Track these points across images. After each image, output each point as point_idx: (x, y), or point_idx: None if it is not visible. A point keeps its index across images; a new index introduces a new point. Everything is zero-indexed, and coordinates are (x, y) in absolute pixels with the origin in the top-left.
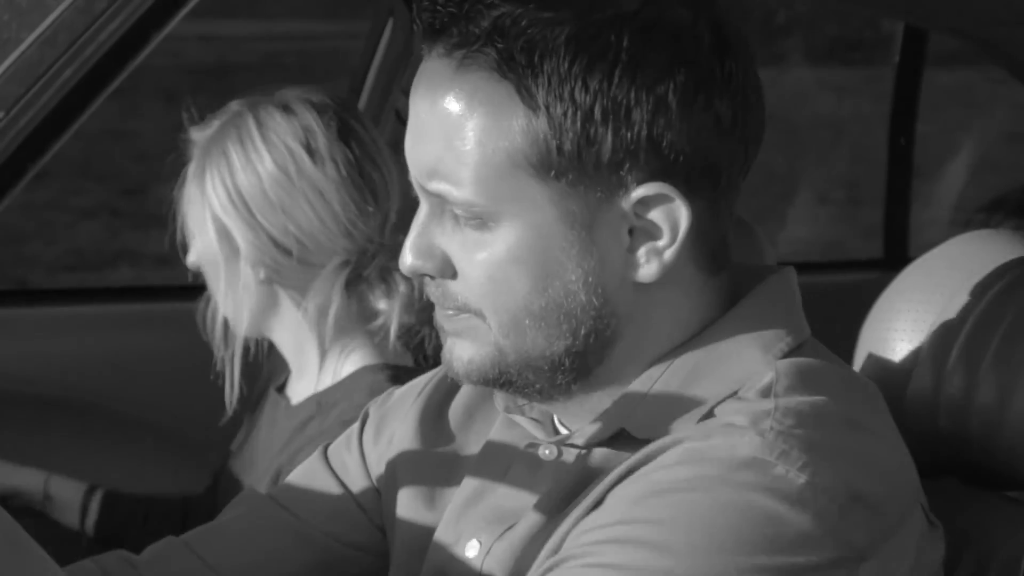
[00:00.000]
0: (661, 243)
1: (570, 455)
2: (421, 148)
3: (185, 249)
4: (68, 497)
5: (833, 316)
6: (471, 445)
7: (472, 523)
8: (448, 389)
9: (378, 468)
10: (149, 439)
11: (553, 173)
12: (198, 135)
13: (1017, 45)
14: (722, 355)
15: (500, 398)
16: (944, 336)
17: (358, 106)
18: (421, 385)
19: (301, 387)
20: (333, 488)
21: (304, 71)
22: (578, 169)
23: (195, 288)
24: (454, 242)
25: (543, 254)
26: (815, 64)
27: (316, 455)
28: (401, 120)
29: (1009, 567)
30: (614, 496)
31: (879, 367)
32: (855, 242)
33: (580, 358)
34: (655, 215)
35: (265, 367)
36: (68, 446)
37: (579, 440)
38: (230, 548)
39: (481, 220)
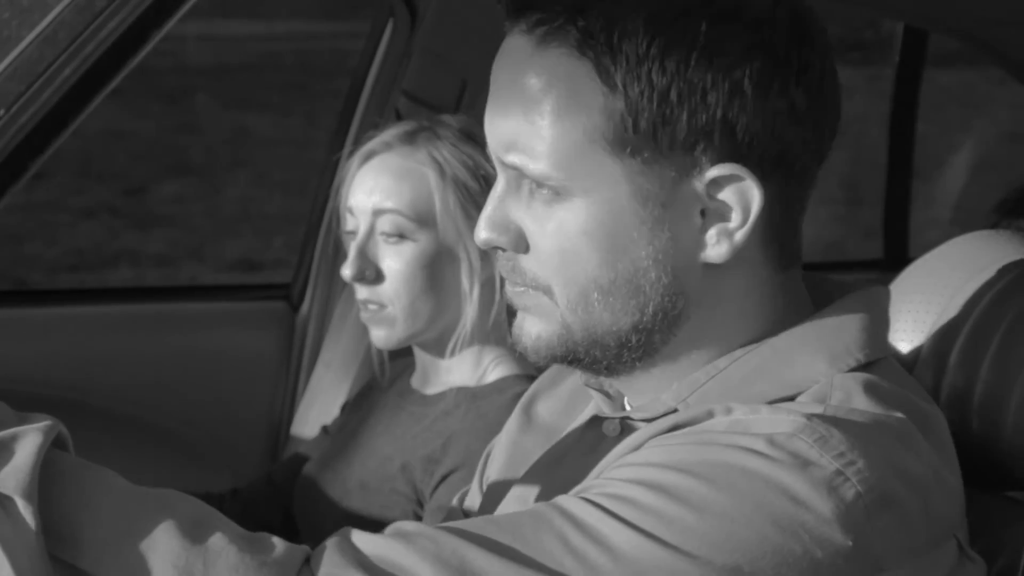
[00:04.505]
0: (732, 224)
1: (629, 433)
2: (500, 121)
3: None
4: None
5: None
6: (562, 431)
7: (532, 501)
8: (549, 382)
9: (486, 484)
10: (149, 440)
11: (629, 150)
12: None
13: (1017, 45)
14: (786, 360)
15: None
16: (944, 336)
17: (358, 105)
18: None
19: (437, 381)
20: None
21: (304, 71)
22: (653, 148)
23: (195, 288)
24: (528, 215)
25: (614, 229)
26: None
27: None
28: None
29: (1010, 568)
30: (652, 443)
31: None
32: (855, 242)
33: (647, 335)
34: (727, 195)
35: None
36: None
37: (635, 416)
38: None
39: (555, 193)
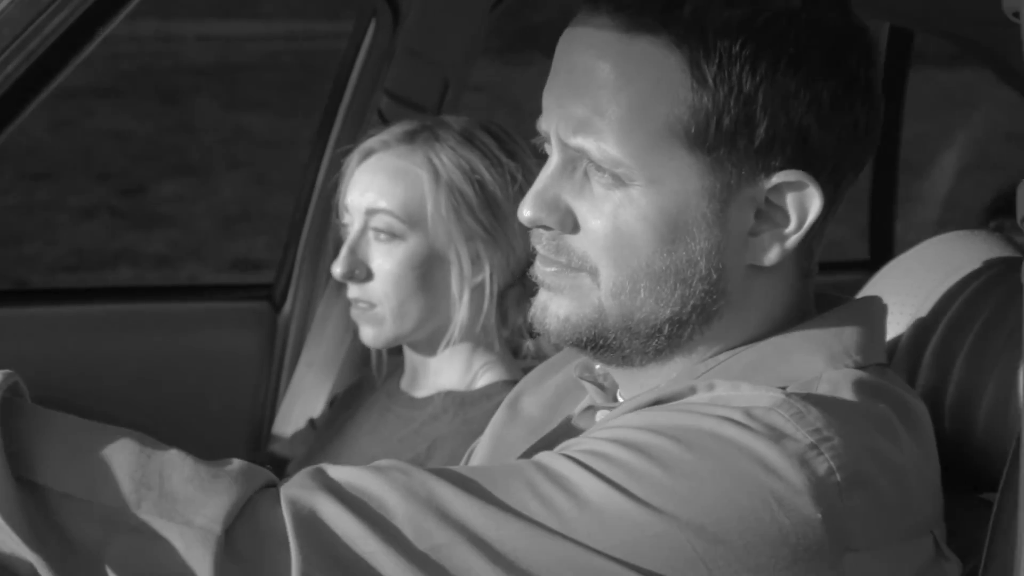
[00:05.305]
0: (787, 230)
1: None
2: (572, 103)
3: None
4: None
5: None
6: (553, 424)
7: None
8: (535, 381)
9: None
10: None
11: (707, 147)
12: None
13: (1003, 45)
14: (785, 356)
15: (577, 364)
16: (918, 337)
17: (340, 105)
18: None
19: (425, 384)
20: None
21: (304, 71)
22: (730, 147)
23: (177, 288)
24: (582, 197)
25: (675, 220)
26: None
27: None
28: (384, 120)
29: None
30: (635, 412)
31: None
32: (855, 242)
33: (679, 328)
34: (787, 201)
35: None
36: None
37: (628, 406)
38: None
39: (618, 179)
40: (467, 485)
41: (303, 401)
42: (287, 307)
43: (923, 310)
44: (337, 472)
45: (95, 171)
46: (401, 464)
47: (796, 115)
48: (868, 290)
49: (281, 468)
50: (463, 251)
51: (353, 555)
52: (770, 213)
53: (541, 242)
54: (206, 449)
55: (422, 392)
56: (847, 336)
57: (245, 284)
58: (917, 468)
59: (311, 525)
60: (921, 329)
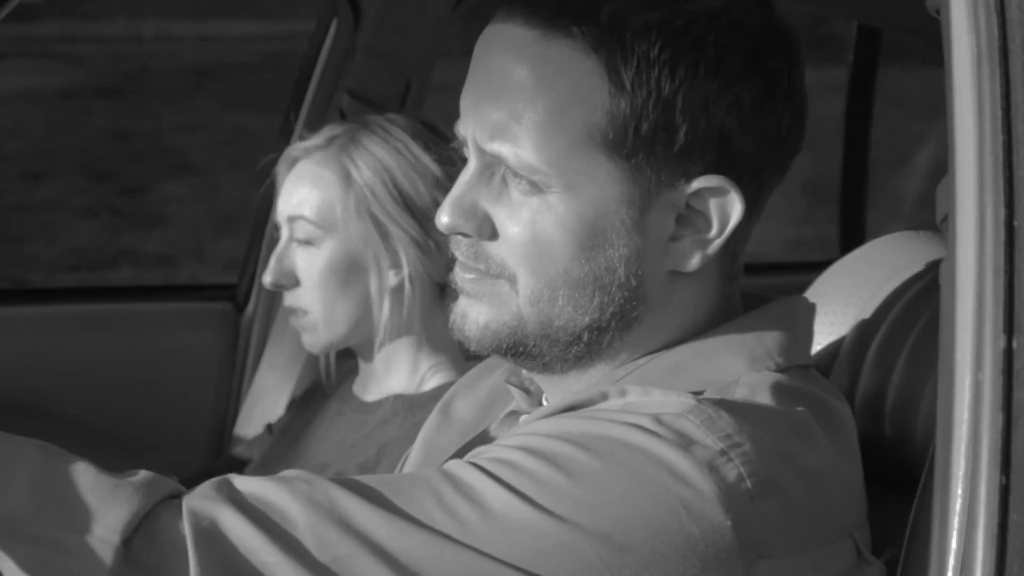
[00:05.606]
0: (709, 235)
1: None
2: (489, 108)
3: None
4: None
5: None
6: (481, 426)
7: None
8: (468, 383)
9: None
10: (91, 440)
11: (625, 152)
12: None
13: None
14: (706, 359)
15: (505, 368)
16: (861, 338)
17: (303, 105)
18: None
19: (376, 387)
20: None
21: None
22: (648, 152)
23: (140, 289)
24: (500, 203)
25: (593, 226)
26: (813, 64)
27: None
28: (346, 119)
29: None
30: (546, 419)
31: None
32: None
33: (599, 335)
34: (708, 206)
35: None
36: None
37: (541, 412)
38: None
39: (535, 185)
40: (371, 495)
41: (265, 402)
42: (250, 308)
43: (867, 311)
44: (241, 483)
45: (95, 171)
46: (305, 474)
47: (717, 119)
48: (813, 289)
49: (241, 470)
50: (381, 252)
51: (253, 567)
52: (691, 218)
53: (460, 249)
54: (168, 450)
55: (373, 396)
56: (769, 338)
57: (208, 285)
58: (835, 472)
59: (211, 536)
60: (864, 331)
